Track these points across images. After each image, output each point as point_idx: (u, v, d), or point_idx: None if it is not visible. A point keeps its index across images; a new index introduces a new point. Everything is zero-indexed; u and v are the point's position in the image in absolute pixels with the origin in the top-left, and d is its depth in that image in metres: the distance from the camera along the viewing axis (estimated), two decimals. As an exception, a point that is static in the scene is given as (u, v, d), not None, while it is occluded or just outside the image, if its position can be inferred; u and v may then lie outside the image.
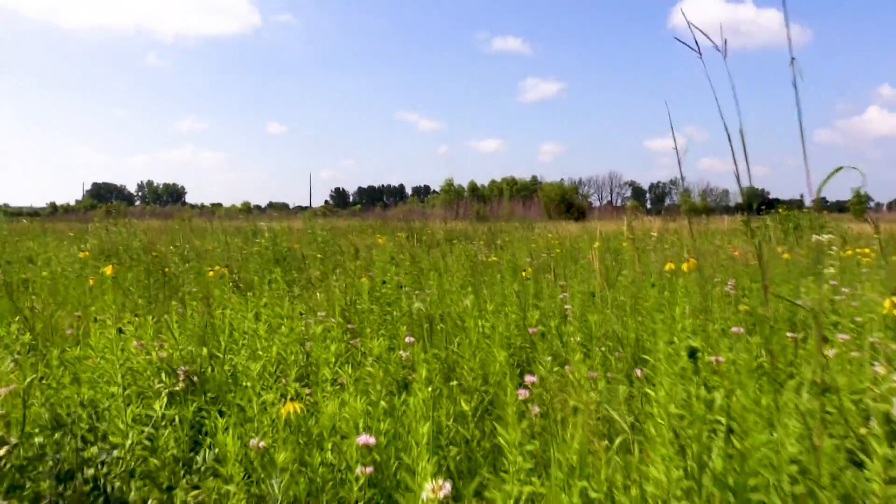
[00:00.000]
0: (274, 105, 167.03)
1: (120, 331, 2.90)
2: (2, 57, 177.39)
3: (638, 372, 2.79)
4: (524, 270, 4.75)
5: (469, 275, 6.05)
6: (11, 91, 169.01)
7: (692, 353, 1.84)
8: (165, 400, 2.10)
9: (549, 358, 3.27)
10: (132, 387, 2.54)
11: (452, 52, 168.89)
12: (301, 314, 3.75)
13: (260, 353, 2.94)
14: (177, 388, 2.34)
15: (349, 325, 3.90)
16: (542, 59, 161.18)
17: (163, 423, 2.09)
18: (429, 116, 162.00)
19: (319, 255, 6.81)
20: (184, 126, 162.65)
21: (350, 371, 2.38)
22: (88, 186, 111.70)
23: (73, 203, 74.35)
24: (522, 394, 2.20)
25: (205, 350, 3.18)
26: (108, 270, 3.79)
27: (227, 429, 1.97)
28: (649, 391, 2.29)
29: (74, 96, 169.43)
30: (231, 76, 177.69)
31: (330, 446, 2.07)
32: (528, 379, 2.25)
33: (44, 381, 2.53)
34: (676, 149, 1.44)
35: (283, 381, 2.69)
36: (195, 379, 2.61)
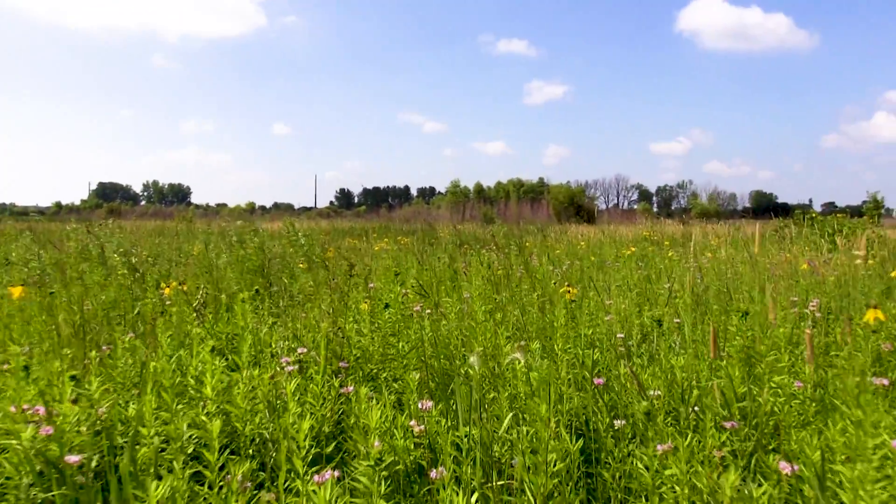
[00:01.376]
0: (279, 106, 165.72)
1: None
2: (9, 57, 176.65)
3: (786, 468, 1.77)
4: (567, 291, 3.74)
5: (491, 290, 5.05)
6: (18, 91, 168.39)
7: None
8: None
9: (620, 420, 2.27)
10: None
11: (458, 55, 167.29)
12: (272, 356, 2.75)
13: (203, 419, 1.95)
14: None
15: (341, 363, 2.91)
16: (548, 62, 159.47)
17: None
18: (434, 118, 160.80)
19: (304, 265, 5.74)
20: (190, 126, 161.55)
21: (331, 491, 1.39)
22: (94, 186, 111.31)
23: (78, 203, 73.78)
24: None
25: (132, 410, 2.19)
26: (17, 292, 2.81)
27: None
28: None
29: (81, 96, 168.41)
30: (237, 77, 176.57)
31: None
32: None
33: None
34: None
35: (228, 477, 1.70)
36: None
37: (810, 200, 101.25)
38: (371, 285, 5.00)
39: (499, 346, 2.76)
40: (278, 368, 2.64)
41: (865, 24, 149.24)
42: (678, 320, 4.15)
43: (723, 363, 2.57)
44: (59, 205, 71.48)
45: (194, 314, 3.63)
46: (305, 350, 2.86)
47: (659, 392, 2.33)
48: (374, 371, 3.03)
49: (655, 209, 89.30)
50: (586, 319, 3.88)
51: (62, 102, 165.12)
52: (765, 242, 11.51)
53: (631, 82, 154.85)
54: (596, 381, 2.39)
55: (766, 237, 12.77)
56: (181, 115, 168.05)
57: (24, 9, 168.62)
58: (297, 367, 2.68)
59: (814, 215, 13.22)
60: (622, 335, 3.55)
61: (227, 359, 2.99)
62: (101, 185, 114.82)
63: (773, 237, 13.36)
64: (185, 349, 2.76)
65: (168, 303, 4.19)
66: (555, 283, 4.69)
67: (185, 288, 3.65)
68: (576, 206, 42.86)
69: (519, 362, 2.14)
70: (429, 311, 4.10)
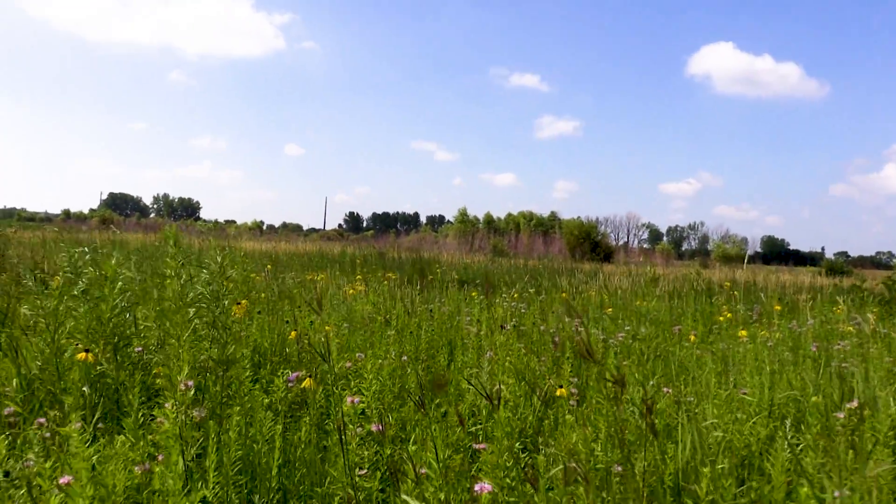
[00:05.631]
0: (293, 128, 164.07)
1: None
2: (29, 65, 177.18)
3: None
4: None
5: (525, 399, 2.62)
6: (35, 99, 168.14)
7: None
8: None
9: None
10: None
11: (471, 86, 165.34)
12: None
13: None
14: None
15: None
16: (559, 98, 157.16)
17: None
18: (445, 147, 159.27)
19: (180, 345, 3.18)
20: (203, 143, 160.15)
21: None
22: (105, 196, 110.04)
23: (86, 211, 71.72)
24: None
25: None
26: None
27: None
28: None
29: (96, 107, 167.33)
30: (252, 97, 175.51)
31: None
32: None
33: None
34: None
35: None
36: None
37: (823, 248, 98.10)
38: (317, 374, 2.62)
39: None
40: None
41: (875, 76, 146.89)
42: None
43: None
44: (67, 212, 69.60)
45: None
46: None
47: None
48: None
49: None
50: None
51: (79, 112, 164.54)
52: (853, 308, 9.02)
53: (641, 121, 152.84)
54: None
55: (848, 299, 10.27)
56: (196, 131, 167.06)
57: (46, 20, 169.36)
58: None
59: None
60: None
61: None
62: (112, 195, 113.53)
63: (850, 295, 10.87)
64: None
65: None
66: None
67: None
68: (591, 242, 40.28)
69: None
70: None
